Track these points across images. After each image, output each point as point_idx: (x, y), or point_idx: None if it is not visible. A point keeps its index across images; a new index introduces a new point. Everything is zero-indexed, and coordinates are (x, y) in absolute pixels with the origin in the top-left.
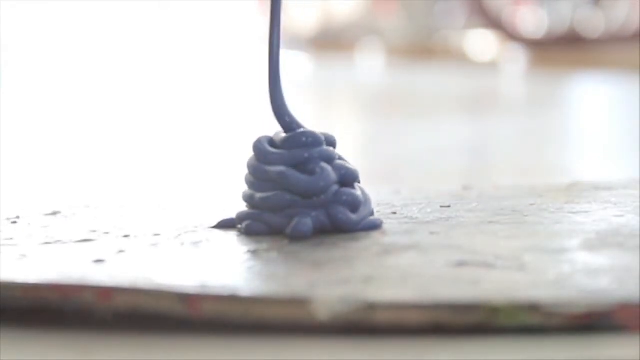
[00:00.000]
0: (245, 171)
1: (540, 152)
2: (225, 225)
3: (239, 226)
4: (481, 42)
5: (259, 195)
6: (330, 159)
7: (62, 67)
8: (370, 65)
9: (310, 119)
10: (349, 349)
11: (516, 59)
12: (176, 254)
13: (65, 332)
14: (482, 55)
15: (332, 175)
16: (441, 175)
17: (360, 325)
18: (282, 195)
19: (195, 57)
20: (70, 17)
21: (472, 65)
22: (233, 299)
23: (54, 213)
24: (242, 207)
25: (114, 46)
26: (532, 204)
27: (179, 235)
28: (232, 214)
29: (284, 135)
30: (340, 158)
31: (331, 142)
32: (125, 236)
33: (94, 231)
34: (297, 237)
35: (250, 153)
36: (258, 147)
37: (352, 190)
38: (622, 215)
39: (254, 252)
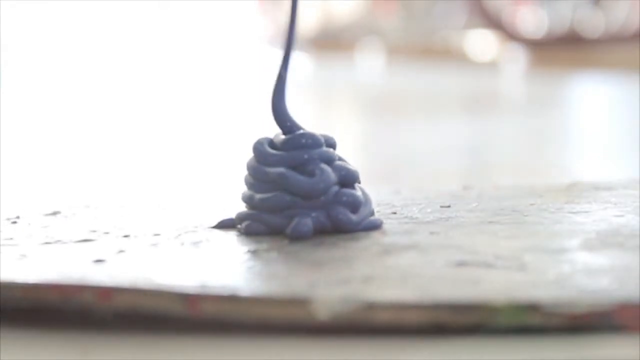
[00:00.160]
0: (245, 172)
1: (540, 152)
2: (225, 225)
3: (239, 226)
4: (481, 42)
5: (258, 196)
6: (330, 160)
7: (62, 67)
8: (370, 65)
9: (310, 119)
10: (349, 349)
11: (516, 59)
12: (176, 254)
13: (65, 332)
14: (482, 55)
15: (332, 176)
16: (441, 175)
17: (360, 325)
18: (282, 196)
19: (195, 57)
20: (70, 17)
21: (472, 65)
22: (233, 299)
23: (54, 213)
24: (242, 207)
25: (114, 46)
26: (532, 204)
27: (179, 235)
28: (232, 214)
29: (283, 136)
30: (340, 159)
31: (331, 144)
32: (125, 236)
33: (94, 231)
34: (297, 237)
35: (250, 154)
36: (258, 148)
37: (353, 191)
38: (622, 215)
39: (254, 252)
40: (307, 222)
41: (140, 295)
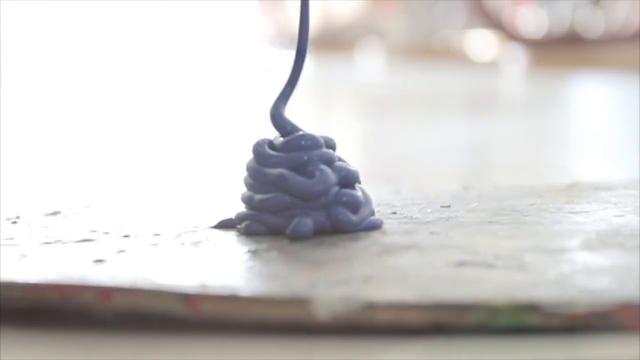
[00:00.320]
0: (244, 173)
1: (540, 152)
2: (225, 225)
3: (239, 226)
4: (481, 42)
5: (258, 196)
6: (329, 161)
7: (62, 67)
8: (370, 65)
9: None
10: (349, 349)
11: (516, 59)
12: (176, 254)
13: (65, 332)
14: (482, 55)
15: (332, 177)
16: (441, 175)
17: (360, 325)
18: (282, 197)
19: (195, 57)
20: (70, 17)
21: (472, 65)
22: (233, 299)
23: (54, 213)
24: (241, 207)
25: (114, 46)
26: (532, 204)
27: (179, 235)
28: (232, 214)
29: (283, 138)
30: (340, 160)
31: (330, 145)
32: (125, 236)
33: (94, 231)
34: (297, 237)
35: (249, 155)
36: (258, 149)
37: (353, 191)
38: (622, 215)
39: (254, 252)
40: (307, 222)
41: (140, 295)
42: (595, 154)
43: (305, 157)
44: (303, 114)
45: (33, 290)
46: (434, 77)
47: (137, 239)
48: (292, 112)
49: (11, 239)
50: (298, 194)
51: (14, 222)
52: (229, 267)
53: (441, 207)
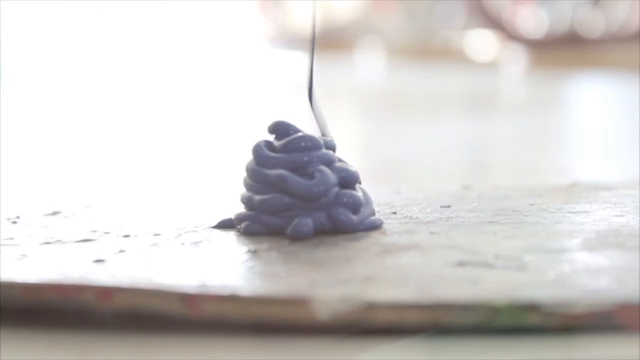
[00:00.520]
0: (244, 174)
1: (540, 152)
2: (225, 225)
3: (238, 227)
4: (481, 42)
5: (257, 197)
6: (329, 162)
7: (63, 67)
8: (370, 65)
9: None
10: (349, 349)
11: (516, 59)
12: (176, 254)
13: (65, 332)
14: (482, 55)
15: (332, 178)
16: (441, 175)
17: (360, 325)
18: (281, 197)
19: (195, 57)
20: (70, 17)
21: (472, 65)
22: (233, 299)
23: (54, 213)
24: (241, 208)
25: (114, 46)
26: (532, 204)
27: (179, 235)
28: (232, 215)
29: (283, 139)
30: (340, 160)
31: (330, 147)
32: (125, 236)
33: (94, 231)
34: (297, 237)
35: (249, 156)
36: (257, 151)
37: (353, 192)
38: (622, 215)
39: (254, 252)
40: (308, 222)
41: (140, 295)
42: (595, 154)
43: (305, 158)
44: (303, 114)
45: (33, 290)
46: (433, 77)
47: (137, 239)
48: (292, 113)
49: (11, 239)
50: (298, 195)
51: (14, 222)
52: (229, 267)
53: (441, 207)
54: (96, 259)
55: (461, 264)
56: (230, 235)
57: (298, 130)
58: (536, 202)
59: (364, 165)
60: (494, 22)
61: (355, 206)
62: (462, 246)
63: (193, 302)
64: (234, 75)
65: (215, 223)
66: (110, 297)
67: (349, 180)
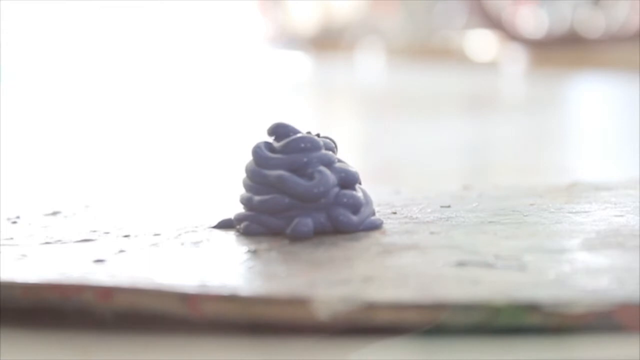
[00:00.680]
0: (243, 175)
1: (540, 152)
2: (225, 225)
3: (238, 227)
4: (481, 42)
5: (257, 198)
6: (329, 163)
7: (62, 67)
8: (370, 65)
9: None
10: (349, 349)
11: (516, 59)
12: (176, 254)
13: (65, 332)
14: (482, 55)
15: (332, 179)
16: (441, 175)
17: (360, 325)
18: (281, 198)
19: (195, 57)
20: (71, 17)
21: (472, 65)
22: (233, 299)
23: (54, 213)
24: (241, 208)
25: (114, 46)
26: (532, 204)
27: (179, 235)
28: (232, 215)
29: (282, 140)
30: (339, 161)
31: (330, 147)
32: (125, 236)
33: (94, 231)
34: (297, 237)
35: (248, 157)
36: (257, 152)
37: (353, 192)
38: (622, 215)
39: (253, 252)
40: (308, 222)
41: (140, 295)
42: (595, 154)
43: (305, 159)
44: (303, 114)
45: (33, 290)
46: (434, 77)
47: (137, 239)
48: (292, 113)
49: (11, 239)
50: (297, 196)
51: (14, 222)
52: (229, 267)
53: (441, 207)
54: (96, 259)
55: (461, 264)
56: (230, 236)
57: (298, 132)
58: (536, 202)
59: (364, 165)
60: (494, 22)
61: (355, 206)
62: (462, 246)
63: (193, 302)
64: (234, 75)
65: (215, 223)
66: (110, 297)
67: (348, 180)
